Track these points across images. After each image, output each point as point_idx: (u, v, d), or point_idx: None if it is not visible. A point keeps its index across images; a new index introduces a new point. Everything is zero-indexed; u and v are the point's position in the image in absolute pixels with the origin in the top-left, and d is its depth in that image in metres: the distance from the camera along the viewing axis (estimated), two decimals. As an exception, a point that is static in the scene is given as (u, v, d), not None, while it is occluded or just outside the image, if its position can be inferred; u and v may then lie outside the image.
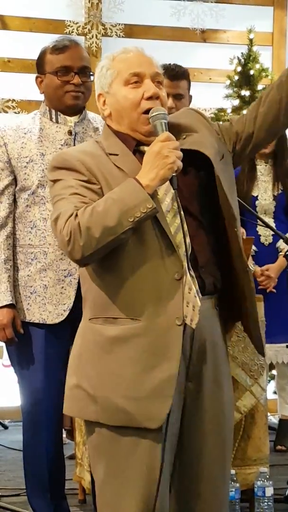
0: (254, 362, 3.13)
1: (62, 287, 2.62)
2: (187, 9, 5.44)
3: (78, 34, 5.25)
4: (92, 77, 2.67)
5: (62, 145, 2.66)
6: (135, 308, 1.87)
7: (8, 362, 4.41)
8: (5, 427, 4.76)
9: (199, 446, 1.95)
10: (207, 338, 1.96)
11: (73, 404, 1.97)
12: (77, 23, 5.27)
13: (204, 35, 5.45)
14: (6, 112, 5.13)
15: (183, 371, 1.91)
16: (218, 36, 5.46)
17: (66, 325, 2.62)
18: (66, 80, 2.64)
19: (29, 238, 2.66)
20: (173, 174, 1.82)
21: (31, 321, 2.66)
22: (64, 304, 2.62)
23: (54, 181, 1.93)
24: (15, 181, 2.68)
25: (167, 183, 1.85)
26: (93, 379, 1.90)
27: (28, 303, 2.66)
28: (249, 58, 5.15)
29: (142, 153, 1.93)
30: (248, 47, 5.17)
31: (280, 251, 4.12)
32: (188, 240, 1.88)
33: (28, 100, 5.17)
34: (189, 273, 1.87)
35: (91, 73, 2.67)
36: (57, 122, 2.69)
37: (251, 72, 5.14)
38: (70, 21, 5.26)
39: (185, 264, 1.86)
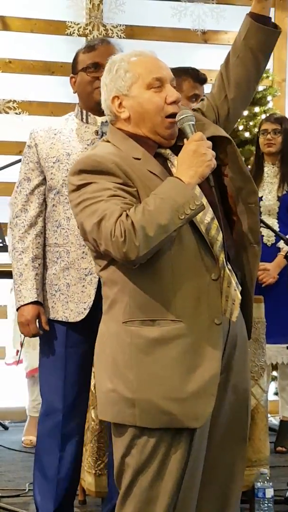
0: (254, 363, 3.13)
1: (83, 286, 2.65)
2: (188, 10, 5.43)
3: (79, 35, 5.26)
4: None
5: (88, 145, 2.69)
6: (175, 310, 1.89)
7: (10, 361, 4.43)
8: (6, 428, 4.75)
9: (220, 435, 2.01)
10: (238, 332, 2.02)
11: (108, 408, 1.97)
12: (78, 24, 5.27)
13: (205, 36, 5.45)
14: (7, 113, 5.13)
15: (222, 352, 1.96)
16: (219, 37, 5.46)
17: (85, 325, 2.65)
18: (95, 76, 2.65)
19: (55, 237, 2.70)
20: (210, 172, 1.89)
21: (55, 319, 2.70)
22: (84, 302, 2.64)
23: (83, 185, 1.91)
24: (45, 181, 2.72)
25: None
26: (132, 382, 1.90)
27: (53, 301, 2.70)
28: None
29: (162, 157, 1.98)
30: (249, 48, 5.17)
31: (281, 251, 4.13)
32: (221, 235, 1.93)
33: (29, 101, 5.17)
34: (227, 267, 1.92)
35: None
36: (87, 122, 2.72)
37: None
38: (71, 22, 5.26)
39: (222, 258, 1.92)
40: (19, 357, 4.16)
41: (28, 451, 4.24)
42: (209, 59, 5.22)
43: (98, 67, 2.65)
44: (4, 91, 5.14)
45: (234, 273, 1.96)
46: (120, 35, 5.25)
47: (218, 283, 1.91)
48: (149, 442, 1.90)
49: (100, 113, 2.68)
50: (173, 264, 1.89)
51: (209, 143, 1.90)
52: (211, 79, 5.34)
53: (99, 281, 2.59)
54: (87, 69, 2.68)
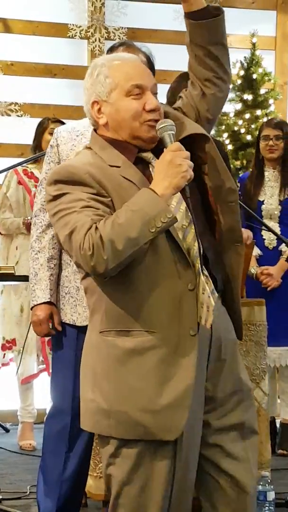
0: (256, 366, 3.12)
1: None
2: (190, 13, 5.44)
3: (81, 38, 5.26)
4: None
5: None
6: (150, 320, 1.86)
7: (5, 361, 4.42)
8: (7, 430, 4.75)
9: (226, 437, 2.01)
10: (222, 336, 1.99)
11: (87, 418, 1.96)
12: (80, 26, 5.27)
13: (207, 39, 5.45)
14: (9, 115, 5.14)
15: (203, 373, 1.94)
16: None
17: None
18: None
19: None
20: (186, 183, 1.83)
21: (63, 321, 2.71)
22: None
23: (59, 195, 1.88)
24: None
25: None
26: (108, 393, 1.89)
27: (63, 303, 2.70)
28: (252, 62, 5.16)
29: (143, 161, 1.95)
30: (251, 51, 5.18)
31: (282, 254, 4.13)
32: (198, 242, 1.89)
33: (31, 104, 5.17)
34: (202, 273, 1.88)
35: None
36: None
37: (254, 76, 5.14)
38: (73, 24, 5.27)
39: (198, 264, 1.88)
40: (19, 364, 4.15)
41: (30, 454, 4.24)
42: (211, 62, 5.23)
43: None
44: (6, 93, 5.15)
45: (211, 278, 1.91)
46: (122, 38, 5.25)
47: (194, 292, 1.87)
48: (132, 452, 1.88)
49: None
50: (147, 274, 1.86)
51: (187, 153, 1.85)
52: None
53: None
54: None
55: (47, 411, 4.34)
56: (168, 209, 1.80)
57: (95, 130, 2.02)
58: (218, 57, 2.06)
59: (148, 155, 1.97)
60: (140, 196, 1.82)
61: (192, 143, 1.95)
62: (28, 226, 4.19)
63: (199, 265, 1.88)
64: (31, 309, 2.73)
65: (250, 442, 2.02)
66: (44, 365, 4.33)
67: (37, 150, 4.31)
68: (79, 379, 2.64)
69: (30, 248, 2.74)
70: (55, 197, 1.88)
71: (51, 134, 4.28)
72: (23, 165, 4.05)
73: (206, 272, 1.89)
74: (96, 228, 1.78)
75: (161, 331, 1.86)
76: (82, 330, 2.65)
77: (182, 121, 2.00)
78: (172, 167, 1.82)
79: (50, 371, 4.21)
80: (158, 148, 1.95)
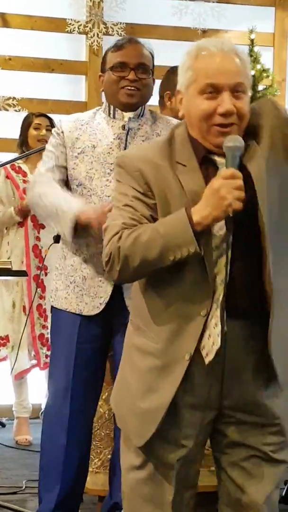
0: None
1: (100, 281, 2.63)
2: (189, 9, 5.43)
3: (80, 33, 5.25)
4: (151, 75, 2.70)
5: (114, 138, 2.67)
6: (158, 330, 1.87)
7: (0, 356, 4.42)
8: (3, 425, 4.75)
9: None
10: (240, 353, 1.87)
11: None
12: (78, 21, 5.26)
13: (205, 35, 5.45)
14: (7, 110, 5.13)
15: (217, 389, 1.87)
16: (219, 36, 5.45)
17: (104, 319, 2.64)
18: (121, 75, 2.65)
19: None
20: (230, 215, 1.74)
21: (67, 310, 2.69)
22: (100, 297, 2.63)
23: (117, 180, 1.91)
24: (66, 168, 2.70)
25: None
26: (118, 380, 1.98)
27: (67, 292, 2.69)
28: (250, 59, 5.15)
29: (211, 162, 1.85)
30: (249, 47, 5.17)
31: None
32: (227, 269, 1.79)
33: (29, 98, 5.16)
34: (221, 306, 1.80)
35: (150, 71, 2.69)
36: (114, 117, 2.70)
37: (252, 72, 5.13)
38: (71, 19, 5.25)
39: (219, 295, 1.80)
40: (15, 360, 4.15)
41: (26, 449, 4.24)
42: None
43: (124, 66, 2.64)
44: (4, 88, 5.13)
45: (234, 302, 1.81)
46: (121, 33, 5.25)
47: (204, 319, 1.81)
48: (139, 454, 1.92)
49: (126, 110, 2.68)
50: (165, 288, 1.85)
51: (238, 184, 1.74)
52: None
53: None
54: (113, 68, 2.66)
55: (43, 406, 4.38)
56: (193, 243, 1.74)
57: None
58: None
59: (221, 160, 1.83)
60: (174, 218, 1.78)
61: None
62: (20, 212, 4.18)
63: (221, 296, 1.81)
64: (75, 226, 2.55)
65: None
66: (36, 361, 4.33)
67: (23, 146, 4.30)
68: (77, 371, 2.66)
69: (39, 196, 2.68)
70: (116, 181, 1.93)
71: (36, 129, 4.30)
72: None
73: (223, 309, 1.80)
74: (120, 238, 1.80)
75: (162, 345, 1.86)
76: (88, 319, 2.66)
77: (257, 152, 1.84)
78: (216, 197, 1.74)
79: (42, 365, 4.24)
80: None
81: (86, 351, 2.68)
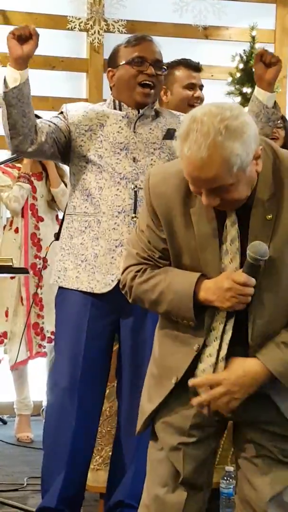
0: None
1: (112, 257, 2.63)
2: (190, 6, 5.42)
3: (80, 30, 5.25)
4: (164, 72, 2.73)
5: (123, 117, 2.68)
6: (161, 346, 2.01)
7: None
8: (4, 422, 4.76)
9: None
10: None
11: None
12: (79, 18, 5.25)
13: (206, 32, 5.44)
14: (8, 107, 5.11)
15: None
16: (220, 33, 5.46)
17: (114, 298, 2.60)
18: (140, 69, 2.66)
19: (85, 206, 2.68)
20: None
21: (78, 289, 2.67)
22: (112, 274, 2.62)
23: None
24: (64, 134, 2.70)
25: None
26: None
27: (78, 271, 2.67)
28: (251, 55, 5.13)
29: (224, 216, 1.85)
30: (250, 44, 5.16)
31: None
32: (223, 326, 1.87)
33: (29, 96, 5.15)
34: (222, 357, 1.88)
35: (164, 68, 2.73)
36: (120, 110, 2.72)
37: (253, 69, 5.12)
38: (72, 16, 5.25)
39: (224, 352, 1.87)
40: (18, 352, 4.14)
41: (27, 446, 4.25)
42: (210, 55, 5.23)
43: (143, 61, 2.65)
44: (4, 85, 5.12)
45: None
46: (122, 30, 5.24)
47: (195, 353, 1.90)
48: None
49: (137, 108, 2.69)
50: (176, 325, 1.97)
51: (248, 291, 1.78)
52: (212, 75, 5.38)
53: None
54: (132, 63, 2.65)
55: (43, 403, 4.38)
56: (192, 320, 1.86)
57: None
58: None
59: (232, 215, 1.83)
60: (184, 286, 1.86)
61: None
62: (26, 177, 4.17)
63: (224, 349, 1.87)
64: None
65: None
66: (29, 353, 4.28)
67: None
68: (88, 348, 2.64)
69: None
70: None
71: None
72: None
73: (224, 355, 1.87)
74: (134, 278, 1.93)
75: (160, 361, 2.00)
76: (100, 297, 2.64)
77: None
78: (224, 295, 1.80)
79: (33, 354, 4.21)
80: (249, 207, 1.81)
81: (96, 330, 2.65)
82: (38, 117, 4.25)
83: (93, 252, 2.64)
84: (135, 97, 2.67)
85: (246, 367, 1.83)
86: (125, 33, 5.20)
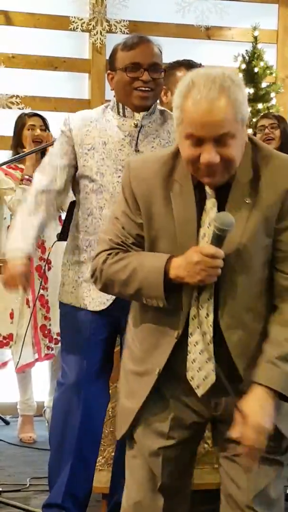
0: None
1: None
2: (192, 6, 5.42)
3: (83, 31, 5.24)
4: (162, 74, 2.69)
5: (125, 136, 2.66)
6: (140, 341, 1.99)
7: (2, 360, 4.42)
8: (7, 423, 4.75)
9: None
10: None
11: None
12: (81, 19, 5.25)
13: (208, 32, 5.43)
14: (10, 108, 5.12)
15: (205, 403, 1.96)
16: (222, 33, 5.45)
17: (112, 313, 2.65)
18: (135, 76, 2.63)
19: (86, 225, 2.69)
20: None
21: (71, 304, 2.70)
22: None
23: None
24: (75, 167, 2.70)
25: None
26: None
27: (73, 287, 2.70)
28: (253, 56, 5.14)
29: (203, 192, 1.87)
30: (253, 44, 5.16)
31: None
32: (212, 304, 1.87)
33: (32, 96, 5.16)
34: (210, 341, 1.87)
35: (162, 69, 2.68)
36: (124, 116, 2.69)
37: (256, 69, 5.13)
38: (74, 17, 5.25)
39: (210, 336, 1.87)
40: (20, 354, 4.14)
41: (30, 447, 4.24)
42: (213, 55, 5.23)
43: (137, 67, 2.62)
44: (7, 86, 5.13)
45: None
46: (124, 31, 5.24)
47: (175, 341, 1.90)
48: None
49: (140, 111, 2.66)
50: (148, 307, 1.93)
51: (217, 263, 1.79)
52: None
53: None
54: (126, 70, 2.63)
55: (45, 404, 4.38)
56: (162, 300, 1.86)
57: None
58: None
59: (210, 191, 1.86)
60: (154, 265, 1.86)
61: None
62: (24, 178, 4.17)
63: (210, 334, 1.87)
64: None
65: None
66: (37, 355, 4.29)
67: (18, 147, 4.28)
68: (91, 367, 2.67)
69: (24, 203, 2.73)
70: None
71: (29, 129, 4.28)
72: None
73: (210, 338, 1.87)
74: (104, 261, 1.92)
75: (141, 355, 1.98)
76: (96, 314, 2.66)
77: (264, 203, 1.86)
78: (194, 269, 1.80)
79: (42, 356, 4.22)
80: (229, 186, 1.85)
81: (96, 344, 2.69)
82: (38, 116, 4.30)
83: None
84: (133, 102, 2.65)
85: (261, 401, 1.83)
86: (127, 33, 5.20)
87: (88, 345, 2.69)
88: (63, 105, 5.08)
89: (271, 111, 4.87)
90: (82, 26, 5.25)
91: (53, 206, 2.71)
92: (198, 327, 1.87)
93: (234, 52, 5.15)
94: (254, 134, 4.31)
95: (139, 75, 2.63)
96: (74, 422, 2.71)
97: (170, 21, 5.34)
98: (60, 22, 5.22)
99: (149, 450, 1.98)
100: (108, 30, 5.26)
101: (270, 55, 5.34)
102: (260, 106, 5.08)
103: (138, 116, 2.66)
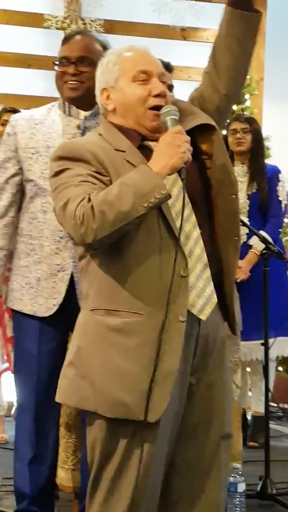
0: (228, 360, 3.13)
1: (54, 282, 2.61)
2: (168, 6, 5.43)
3: (57, 28, 5.23)
4: (95, 67, 2.63)
5: (69, 139, 2.63)
6: (138, 303, 1.88)
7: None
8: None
9: (194, 434, 2.01)
10: (210, 331, 2.00)
11: (72, 393, 1.97)
12: (56, 17, 5.24)
13: (184, 33, 5.45)
14: (-17, 105, 5.09)
15: (188, 366, 1.95)
16: (198, 34, 5.47)
17: (61, 320, 2.61)
18: (63, 70, 2.62)
19: (29, 229, 2.67)
20: (183, 166, 1.86)
21: (22, 311, 2.67)
22: (54, 298, 2.61)
23: (60, 171, 1.94)
24: (21, 171, 2.68)
25: (175, 174, 1.90)
26: (94, 370, 1.90)
27: (22, 293, 2.67)
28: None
29: (147, 149, 1.97)
30: (227, 46, 5.18)
31: (251, 248, 4.16)
32: (198, 230, 1.94)
33: (5, 94, 5.13)
34: (206, 264, 1.94)
35: (93, 63, 2.55)
36: (69, 115, 2.67)
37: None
38: (49, 14, 5.23)
39: (199, 254, 1.94)
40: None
41: (1, 447, 4.22)
42: (188, 56, 5.25)
43: (66, 60, 2.61)
44: (-20, 83, 5.10)
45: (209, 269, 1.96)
46: (99, 30, 5.23)
47: (187, 279, 1.90)
48: (113, 433, 1.91)
49: (81, 107, 2.67)
50: (139, 257, 1.88)
51: (187, 137, 1.90)
52: (189, 76, 5.39)
53: (71, 278, 2.58)
54: (57, 64, 2.63)
55: (15, 403, 4.36)
56: (162, 185, 1.83)
57: (105, 117, 2.07)
58: (248, 51, 2.15)
59: (152, 144, 1.99)
60: (136, 171, 1.86)
61: (199, 137, 1.99)
62: None
63: (201, 254, 1.94)
64: None
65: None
66: (8, 364, 4.28)
67: None
68: (42, 372, 2.64)
69: None
70: (57, 173, 1.95)
71: (3, 125, 4.25)
72: None
73: (205, 260, 1.94)
74: (89, 199, 1.83)
75: (148, 314, 1.87)
76: (45, 321, 2.64)
77: (194, 113, 2.06)
78: (171, 147, 1.86)
79: (12, 367, 4.20)
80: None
81: (49, 352, 2.65)
82: (15, 112, 4.27)
83: (36, 275, 2.64)
84: (64, 94, 2.64)
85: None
86: (102, 32, 5.19)
87: (37, 352, 2.66)
88: (38, 103, 4.98)
89: (245, 112, 4.90)
90: (56, 24, 5.23)
91: (12, 226, 2.70)
92: (196, 262, 1.93)
93: (209, 53, 5.16)
94: (226, 136, 4.33)
95: (66, 69, 2.62)
96: (27, 429, 2.69)
97: (145, 21, 5.34)
98: (34, 20, 5.20)
99: (123, 450, 1.92)
100: (83, 28, 5.24)
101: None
102: (234, 107, 5.11)
103: (82, 115, 2.65)
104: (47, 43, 5.28)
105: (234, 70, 2.11)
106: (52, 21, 5.22)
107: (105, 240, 1.83)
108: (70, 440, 2.99)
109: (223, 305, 2.06)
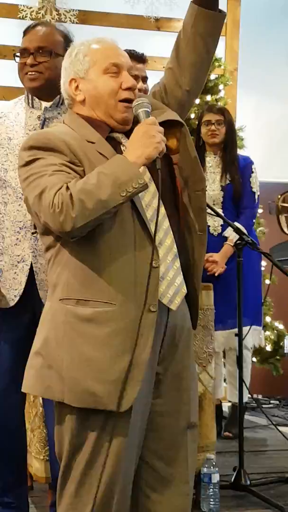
0: (202, 350, 3.15)
1: (15, 273, 2.61)
2: (141, -3, 5.43)
3: (32, 19, 5.19)
4: (55, 58, 2.60)
5: (30, 130, 2.63)
6: (109, 292, 1.88)
7: None
8: None
9: (161, 424, 2.02)
10: (178, 322, 2.02)
11: (37, 382, 1.96)
12: (30, 8, 5.21)
13: (158, 24, 5.44)
14: None
15: (156, 355, 1.96)
16: (172, 25, 5.47)
17: (22, 310, 2.60)
18: (23, 62, 2.61)
19: None
20: (157, 156, 1.89)
21: None
22: (15, 289, 2.60)
23: (31, 160, 1.93)
24: None
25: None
26: (62, 360, 1.90)
27: None
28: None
29: (114, 140, 1.99)
30: (202, 36, 5.19)
31: (226, 239, 4.18)
32: (167, 221, 1.95)
33: (-21, 85, 5.10)
34: (175, 254, 1.96)
35: (52, 53, 2.60)
36: (32, 106, 2.67)
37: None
38: (23, 5, 5.20)
39: (168, 244, 1.96)
40: None
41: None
42: (162, 47, 5.23)
43: (25, 52, 2.60)
44: None
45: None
46: (73, 20, 5.21)
47: (158, 270, 1.90)
48: (82, 424, 1.91)
49: (43, 98, 2.65)
50: (111, 247, 1.89)
51: (161, 128, 1.92)
52: (163, 66, 5.38)
53: (31, 269, 2.57)
54: (18, 56, 2.63)
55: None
56: (140, 175, 1.84)
57: (71, 108, 2.07)
58: (211, 49, 2.17)
59: (120, 136, 2.01)
60: (113, 161, 1.87)
61: (166, 134, 1.99)
62: None
63: (171, 245, 1.95)
64: None
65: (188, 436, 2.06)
66: None
67: None
68: (4, 362, 2.62)
69: None
70: (28, 162, 1.94)
71: None
72: None
73: (175, 251, 1.96)
74: (67, 187, 1.83)
75: (120, 304, 1.87)
76: (7, 312, 2.62)
77: (159, 109, 2.07)
78: (146, 137, 1.88)
79: None
80: (132, 130, 1.98)
81: (11, 341, 2.64)
82: None
83: None
84: (25, 85, 2.64)
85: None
86: (76, 23, 5.17)
87: (1, 344, 2.65)
88: (12, 94, 5.00)
89: (219, 103, 4.90)
90: (31, 15, 5.20)
91: None
92: (167, 255, 1.95)
93: (184, 44, 5.16)
94: (199, 126, 4.33)
95: (25, 60, 2.62)
96: None
97: (119, 11, 5.33)
98: (8, 10, 5.16)
99: (93, 442, 1.92)
100: (57, 19, 5.22)
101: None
102: (208, 98, 5.12)
103: (43, 106, 2.64)
104: (21, 34, 5.23)
105: (198, 67, 2.12)
106: (26, 11, 5.19)
107: (84, 228, 1.83)
108: (45, 431, 2.99)
109: (189, 298, 2.07)
